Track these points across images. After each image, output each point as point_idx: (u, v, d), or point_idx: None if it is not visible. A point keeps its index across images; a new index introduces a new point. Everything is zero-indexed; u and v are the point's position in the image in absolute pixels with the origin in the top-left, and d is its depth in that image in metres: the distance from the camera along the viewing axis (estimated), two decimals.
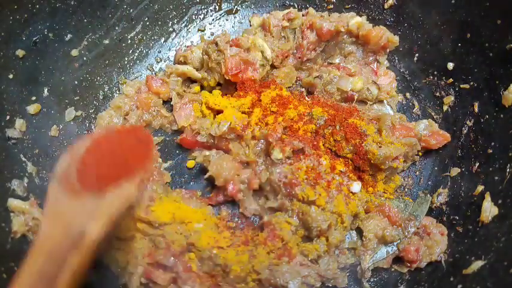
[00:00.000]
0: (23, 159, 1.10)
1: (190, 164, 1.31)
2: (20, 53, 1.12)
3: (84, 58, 1.29)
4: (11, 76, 1.10)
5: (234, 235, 1.11)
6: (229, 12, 1.53)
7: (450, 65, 1.28)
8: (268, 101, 1.23)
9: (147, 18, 1.42)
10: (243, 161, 1.20)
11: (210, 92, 1.34)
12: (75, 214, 0.68)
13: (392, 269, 1.15)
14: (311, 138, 1.20)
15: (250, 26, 1.49)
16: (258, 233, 1.14)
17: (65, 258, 0.62)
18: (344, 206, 1.09)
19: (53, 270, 0.60)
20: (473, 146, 1.19)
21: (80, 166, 0.77)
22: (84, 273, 0.69)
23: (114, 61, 1.37)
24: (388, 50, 1.39)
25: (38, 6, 1.15)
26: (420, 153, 1.27)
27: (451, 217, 1.16)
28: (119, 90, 1.38)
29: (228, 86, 1.34)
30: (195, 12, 1.49)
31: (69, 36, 1.24)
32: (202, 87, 1.39)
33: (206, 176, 1.21)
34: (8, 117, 1.09)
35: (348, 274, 1.13)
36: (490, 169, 1.11)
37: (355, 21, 1.32)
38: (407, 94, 1.39)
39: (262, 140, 1.20)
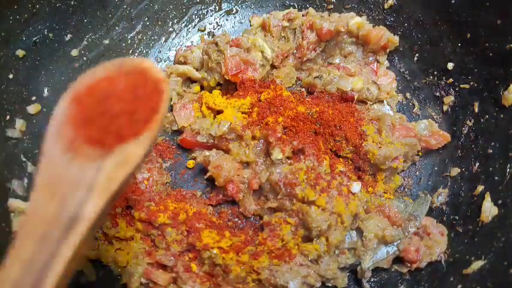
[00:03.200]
0: (23, 159, 1.10)
1: (190, 164, 1.31)
2: (20, 53, 1.12)
3: (84, 58, 1.29)
4: (11, 76, 1.10)
5: (234, 235, 1.11)
6: (229, 12, 1.53)
7: (450, 65, 1.28)
8: (268, 101, 1.23)
9: (147, 18, 1.42)
10: (243, 161, 1.20)
11: (210, 92, 1.34)
12: (72, 183, 0.55)
13: (392, 269, 1.15)
14: (311, 138, 1.20)
15: (250, 26, 1.49)
16: (258, 233, 1.14)
17: (58, 244, 0.51)
18: (344, 206, 1.08)
19: (44, 257, 0.50)
20: (473, 146, 1.19)
21: (78, 114, 0.62)
22: (78, 262, 0.57)
23: None
24: (388, 50, 1.39)
25: (38, 6, 1.15)
26: (420, 153, 1.27)
27: (451, 217, 1.16)
28: None
29: (228, 86, 1.34)
30: (195, 12, 1.49)
31: (69, 36, 1.24)
32: (202, 87, 1.39)
33: (206, 176, 1.21)
34: (8, 117, 1.09)
35: (348, 274, 1.13)
36: (490, 169, 1.11)
37: (355, 21, 1.32)
38: (407, 94, 1.39)
39: (262, 140, 1.20)
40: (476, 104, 1.20)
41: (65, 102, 0.65)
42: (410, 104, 1.38)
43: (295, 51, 1.37)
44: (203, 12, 1.50)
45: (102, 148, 0.59)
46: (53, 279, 0.49)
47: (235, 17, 1.53)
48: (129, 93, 0.64)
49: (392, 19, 1.40)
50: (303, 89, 1.38)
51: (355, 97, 1.29)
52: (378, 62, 1.40)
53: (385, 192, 1.21)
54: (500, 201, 1.04)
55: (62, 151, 0.58)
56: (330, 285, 1.10)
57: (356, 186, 1.15)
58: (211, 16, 1.51)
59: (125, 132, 0.61)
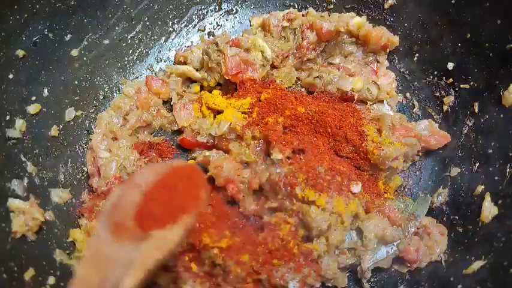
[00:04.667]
0: (23, 159, 1.10)
1: None
2: (20, 53, 1.12)
3: (84, 58, 1.29)
4: (11, 76, 1.10)
5: (234, 235, 1.10)
6: (229, 12, 1.53)
7: (450, 65, 1.28)
8: (268, 101, 1.23)
9: (147, 18, 1.42)
10: (243, 161, 1.20)
11: (210, 92, 1.34)
12: (114, 260, 0.67)
13: (392, 269, 1.15)
14: (311, 138, 1.20)
15: (250, 26, 1.49)
16: (258, 233, 1.14)
17: None
18: (344, 206, 1.08)
19: None
20: (473, 146, 1.19)
21: (127, 204, 0.75)
22: None
23: (114, 61, 1.37)
24: (388, 50, 1.39)
25: (38, 6, 1.15)
26: (420, 153, 1.27)
27: (451, 217, 1.16)
28: (119, 90, 1.38)
29: (228, 86, 1.34)
30: (195, 12, 1.49)
31: (69, 36, 1.24)
32: (202, 87, 1.39)
33: (206, 176, 1.21)
34: (8, 117, 1.09)
35: (348, 274, 1.13)
36: (490, 169, 1.11)
37: (355, 21, 1.32)
38: (407, 94, 1.39)
39: (262, 140, 1.20)
40: (476, 104, 1.20)
41: (115, 197, 0.77)
42: (410, 104, 1.38)
43: (295, 51, 1.37)
44: (203, 12, 1.50)
45: (143, 231, 0.71)
46: None
47: (235, 17, 1.53)
48: (171, 190, 0.77)
49: (392, 19, 1.40)
50: (303, 89, 1.38)
51: (355, 97, 1.29)
52: (378, 62, 1.40)
53: (385, 192, 1.21)
54: (500, 201, 1.04)
55: (108, 234, 0.70)
56: (330, 285, 1.10)
57: (356, 186, 1.15)
58: (211, 16, 1.51)
59: (163, 220, 0.73)
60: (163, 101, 1.37)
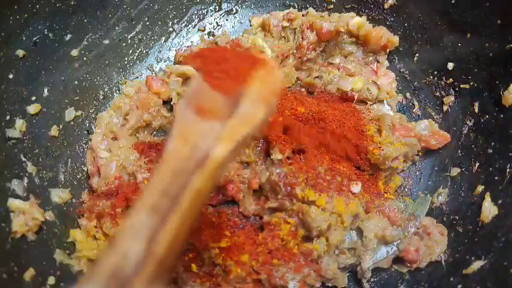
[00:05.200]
0: (23, 159, 1.10)
1: None
2: (20, 53, 1.12)
3: (84, 58, 1.29)
4: (11, 76, 1.10)
5: (234, 235, 1.11)
6: (229, 12, 1.53)
7: (450, 65, 1.28)
8: None
9: (147, 18, 1.42)
10: (243, 161, 1.20)
11: None
12: (202, 135, 0.68)
13: (392, 269, 1.15)
14: (311, 138, 1.20)
15: (250, 26, 1.49)
16: (258, 233, 1.14)
17: (188, 177, 0.63)
18: (344, 206, 1.08)
19: (177, 188, 0.62)
20: (473, 146, 1.19)
21: (210, 84, 0.74)
22: (207, 195, 0.71)
23: (114, 61, 1.37)
24: (388, 50, 1.39)
25: (38, 6, 1.15)
26: (420, 153, 1.27)
27: (451, 217, 1.16)
28: (119, 90, 1.38)
29: None
30: (195, 12, 1.49)
31: (69, 36, 1.24)
32: None
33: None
34: (8, 117, 1.09)
35: (348, 274, 1.13)
36: (490, 169, 1.11)
37: (355, 21, 1.32)
38: (407, 94, 1.39)
39: (262, 140, 1.20)
40: (476, 104, 1.20)
41: (197, 80, 0.76)
42: (410, 104, 1.38)
43: (295, 51, 1.37)
44: (203, 12, 1.50)
45: (226, 112, 0.71)
46: (184, 204, 0.61)
47: (235, 17, 1.53)
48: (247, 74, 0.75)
49: (392, 19, 1.40)
50: (303, 89, 1.38)
51: (355, 97, 1.29)
52: (378, 62, 1.40)
53: (385, 192, 1.21)
54: (500, 201, 1.04)
55: (192, 113, 0.71)
56: (330, 285, 1.10)
57: (356, 186, 1.15)
58: (211, 16, 1.51)
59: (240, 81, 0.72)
60: (163, 101, 1.37)
